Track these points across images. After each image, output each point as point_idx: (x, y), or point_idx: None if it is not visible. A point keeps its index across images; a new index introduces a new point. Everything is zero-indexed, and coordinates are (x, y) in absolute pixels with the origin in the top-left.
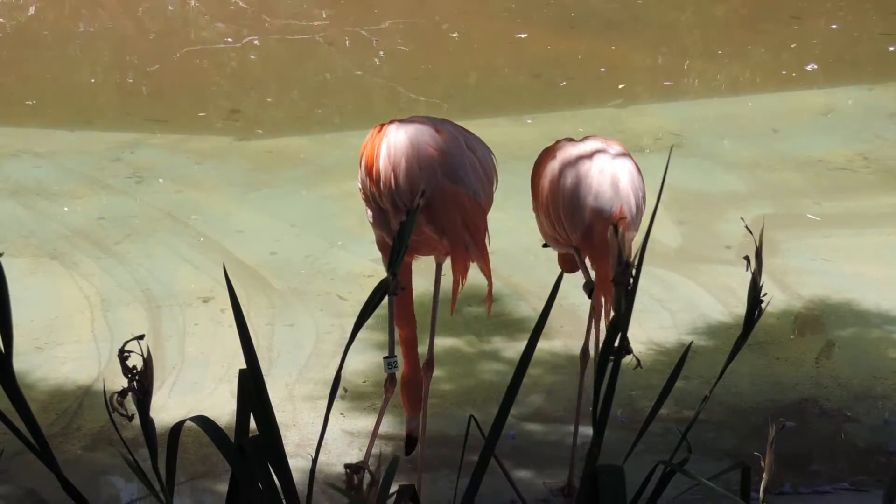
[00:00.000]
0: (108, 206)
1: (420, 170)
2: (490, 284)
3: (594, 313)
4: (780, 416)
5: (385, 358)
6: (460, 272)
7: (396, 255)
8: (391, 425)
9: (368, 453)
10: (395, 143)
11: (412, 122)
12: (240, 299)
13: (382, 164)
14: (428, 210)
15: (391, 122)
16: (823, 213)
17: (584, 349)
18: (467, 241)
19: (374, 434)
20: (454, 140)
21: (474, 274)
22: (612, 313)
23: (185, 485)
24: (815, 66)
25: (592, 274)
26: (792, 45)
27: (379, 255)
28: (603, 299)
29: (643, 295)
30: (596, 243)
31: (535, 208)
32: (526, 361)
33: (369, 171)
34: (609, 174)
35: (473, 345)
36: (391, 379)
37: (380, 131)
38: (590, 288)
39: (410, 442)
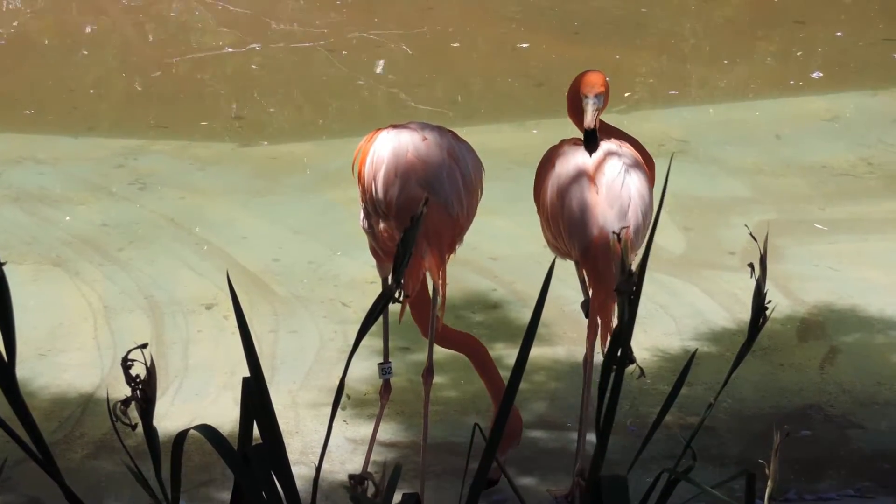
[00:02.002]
0: (110, 213)
1: (396, 177)
2: (443, 296)
3: (591, 334)
4: (784, 423)
5: (379, 364)
6: (413, 282)
7: (400, 262)
8: (393, 432)
9: (367, 462)
10: (378, 150)
11: (404, 129)
12: (243, 306)
13: (366, 170)
14: (398, 217)
15: (386, 127)
16: (827, 218)
17: (587, 357)
18: (424, 251)
19: (372, 442)
20: (436, 149)
21: (477, 280)
22: (608, 337)
23: (187, 493)
24: (821, 74)
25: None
26: (795, 50)
27: None
28: (599, 321)
29: (647, 301)
30: (599, 267)
31: (539, 213)
32: (522, 363)
33: (358, 176)
34: (615, 193)
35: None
36: (386, 385)
37: (373, 136)
38: (587, 308)
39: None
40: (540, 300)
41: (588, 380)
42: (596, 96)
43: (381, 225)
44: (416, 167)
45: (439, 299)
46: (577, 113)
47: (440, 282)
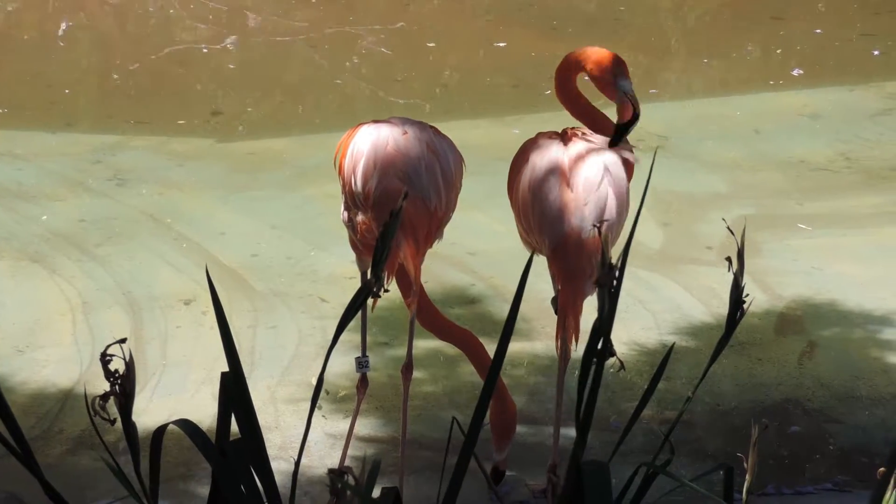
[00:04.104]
0: (89, 209)
1: (374, 169)
2: (417, 287)
3: (560, 331)
4: (762, 417)
5: (357, 358)
6: (389, 272)
7: (379, 257)
8: (372, 427)
9: (344, 456)
10: (358, 143)
11: (385, 123)
12: (221, 302)
13: (346, 163)
14: (375, 209)
15: (368, 122)
16: (805, 213)
17: (562, 350)
18: (399, 241)
19: (349, 436)
20: (416, 142)
21: (457, 275)
22: (575, 334)
23: (166, 488)
24: (801, 71)
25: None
26: (773, 45)
27: None
28: (568, 316)
29: (625, 296)
30: (569, 264)
31: (512, 207)
32: (501, 356)
33: (339, 170)
34: (591, 189)
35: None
36: (363, 379)
37: (354, 131)
38: (557, 305)
39: (497, 474)
40: (517, 297)
41: (562, 375)
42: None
43: (360, 217)
44: (394, 160)
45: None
46: (569, 94)
47: (414, 273)
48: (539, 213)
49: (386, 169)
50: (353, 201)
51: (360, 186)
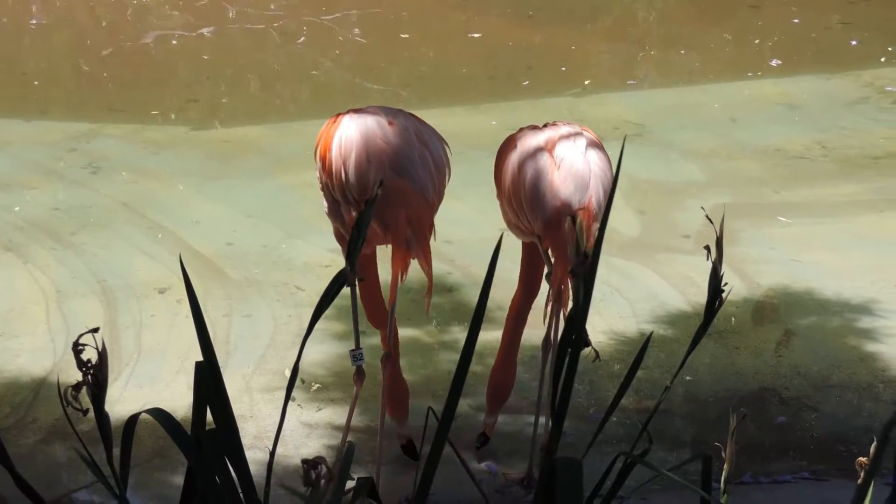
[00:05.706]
0: (63, 197)
1: (369, 163)
2: (430, 281)
3: (554, 303)
4: (740, 406)
5: (351, 351)
6: (399, 266)
7: (354, 246)
8: (353, 419)
9: (344, 443)
10: (346, 135)
11: (367, 113)
12: (196, 290)
13: (334, 156)
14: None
15: (347, 111)
16: (782, 201)
17: (546, 339)
18: (409, 237)
19: (347, 429)
20: (405, 133)
21: (434, 264)
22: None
23: (140, 478)
24: (779, 61)
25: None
26: (750, 34)
27: (337, 245)
28: (563, 290)
29: (602, 284)
30: (563, 237)
31: (499, 196)
32: (471, 344)
33: (322, 162)
34: (576, 165)
35: (432, 335)
36: (359, 372)
37: (335, 121)
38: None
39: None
40: (487, 281)
41: (545, 360)
42: None
43: (354, 212)
44: (387, 152)
45: (426, 282)
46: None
47: (427, 265)
48: (529, 191)
49: (381, 162)
50: (343, 195)
51: (354, 180)
